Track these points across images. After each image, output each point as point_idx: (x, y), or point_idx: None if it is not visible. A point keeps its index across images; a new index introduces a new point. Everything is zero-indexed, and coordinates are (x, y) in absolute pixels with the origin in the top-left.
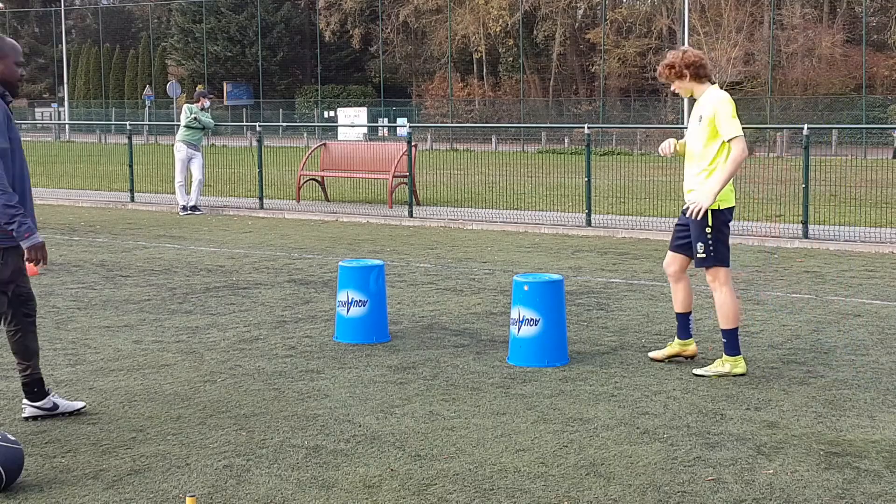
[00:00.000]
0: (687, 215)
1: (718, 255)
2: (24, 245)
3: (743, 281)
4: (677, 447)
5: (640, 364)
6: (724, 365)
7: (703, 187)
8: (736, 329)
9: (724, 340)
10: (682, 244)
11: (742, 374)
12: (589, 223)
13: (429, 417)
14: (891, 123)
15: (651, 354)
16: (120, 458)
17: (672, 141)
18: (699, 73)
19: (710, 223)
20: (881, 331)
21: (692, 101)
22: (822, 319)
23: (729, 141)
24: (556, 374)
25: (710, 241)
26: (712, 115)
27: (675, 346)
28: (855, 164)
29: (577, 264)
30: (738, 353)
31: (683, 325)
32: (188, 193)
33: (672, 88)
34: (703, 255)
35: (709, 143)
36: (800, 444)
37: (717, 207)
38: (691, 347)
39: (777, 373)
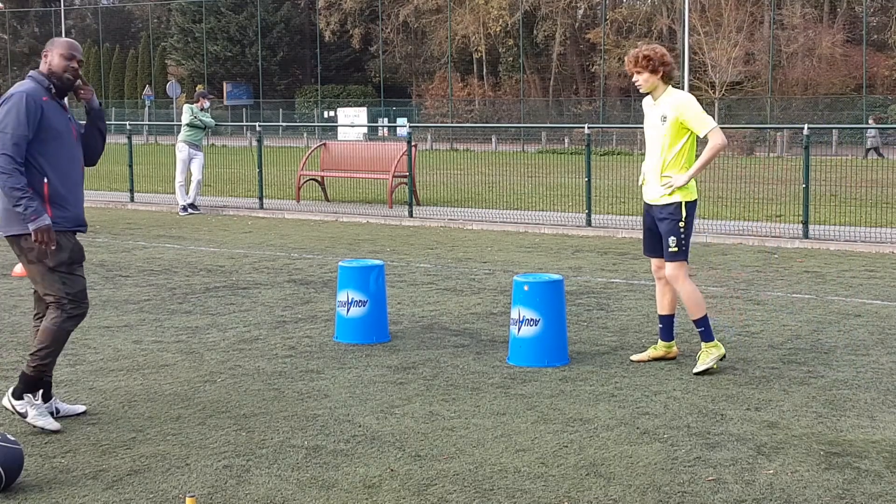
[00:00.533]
0: (662, 185)
1: (687, 250)
2: (31, 227)
3: (743, 281)
4: (677, 447)
5: (641, 364)
6: (711, 352)
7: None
8: (706, 315)
9: (701, 329)
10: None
11: (724, 355)
12: (589, 223)
13: (429, 417)
14: (866, 124)
15: (634, 357)
16: (120, 458)
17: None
18: (670, 74)
19: (683, 217)
20: (881, 331)
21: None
22: (822, 319)
23: (707, 134)
24: (556, 374)
25: (683, 236)
26: (677, 116)
27: (659, 349)
28: (855, 164)
29: (577, 264)
30: (713, 338)
31: (668, 327)
32: (188, 193)
33: (635, 79)
34: (676, 250)
35: (673, 144)
36: (800, 445)
37: (689, 199)
38: (675, 349)
39: (777, 373)
